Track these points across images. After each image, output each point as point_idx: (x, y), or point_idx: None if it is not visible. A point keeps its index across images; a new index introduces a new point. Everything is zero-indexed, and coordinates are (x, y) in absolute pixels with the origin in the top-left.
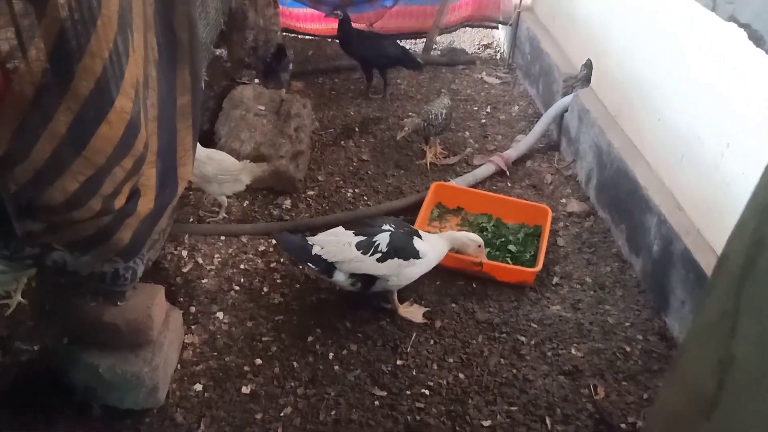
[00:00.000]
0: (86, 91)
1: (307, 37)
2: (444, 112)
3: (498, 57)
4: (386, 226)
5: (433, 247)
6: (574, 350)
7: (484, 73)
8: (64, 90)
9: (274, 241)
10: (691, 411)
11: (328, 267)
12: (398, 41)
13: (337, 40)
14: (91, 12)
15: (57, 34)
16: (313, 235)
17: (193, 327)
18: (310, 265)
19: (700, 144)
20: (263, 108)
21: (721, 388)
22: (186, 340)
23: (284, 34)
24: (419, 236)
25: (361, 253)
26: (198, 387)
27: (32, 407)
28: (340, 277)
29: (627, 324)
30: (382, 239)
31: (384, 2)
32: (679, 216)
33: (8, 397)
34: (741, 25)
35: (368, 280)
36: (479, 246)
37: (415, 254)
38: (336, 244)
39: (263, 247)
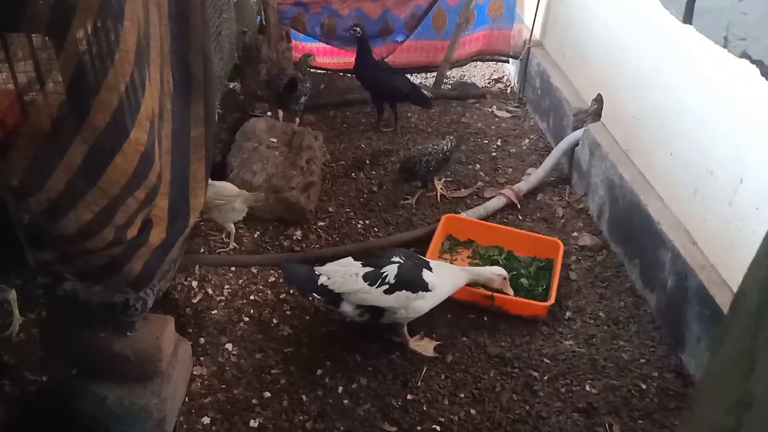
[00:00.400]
0: (102, 123)
1: (319, 71)
2: (433, 156)
3: (508, 91)
4: (396, 258)
5: (444, 279)
6: (589, 387)
7: (494, 106)
8: (80, 122)
9: (282, 271)
10: None
11: (335, 298)
12: (410, 77)
13: (349, 74)
14: (109, 47)
15: (75, 68)
16: (322, 266)
17: (201, 358)
18: (315, 295)
19: (714, 179)
20: (275, 140)
21: (740, 429)
22: (194, 372)
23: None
24: (429, 268)
25: (368, 284)
26: (206, 420)
27: None
28: (347, 308)
29: (642, 360)
30: (390, 271)
31: (395, 37)
32: (693, 251)
33: (15, 427)
34: (753, 62)
35: (376, 311)
36: (504, 278)
37: (424, 287)
38: (343, 275)
39: (273, 278)
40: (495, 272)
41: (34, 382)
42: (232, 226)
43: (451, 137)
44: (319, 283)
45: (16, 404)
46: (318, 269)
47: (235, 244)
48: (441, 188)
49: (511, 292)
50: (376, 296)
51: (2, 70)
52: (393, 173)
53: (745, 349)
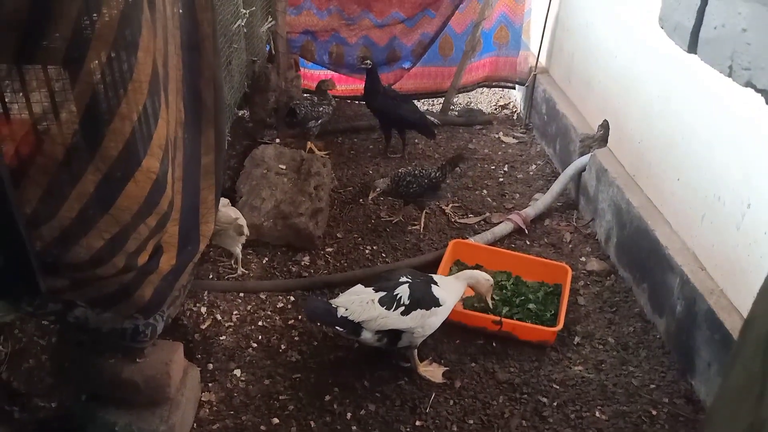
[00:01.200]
0: (115, 152)
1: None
2: (417, 179)
3: (515, 117)
4: (403, 278)
5: (450, 291)
6: (599, 413)
7: (501, 132)
8: (93, 151)
9: (292, 298)
10: None
11: (355, 327)
12: (417, 103)
13: (356, 101)
14: (123, 77)
15: (89, 98)
16: (334, 295)
17: (210, 384)
18: (338, 328)
19: (721, 204)
20: (284, 167)
21: None
22: (203, 398)
23: (305, 95)
24: (436, 283)
25: (385, 308)
26: None
27: None
28: (367, 336)
29: (652, 386)
30: (403, 292)
31: (402, 63)
32: (701, 276)
33: None
34: (758, 91)
35: (394, 335)
36: (490, 286)
37: (436, 302)
38: (359, 303)
39: (281, 304)
40: (484, 277)
41: (44, 408)
42: (239, 251)
43: (445, 164)
44: (339, 316)
45: (25, 431)
46: (334, 302)
47: (243, 270)
48: (449, 211)
49: (490, 304)
50: (394, 319)
51: (17, 100)
52: (383, 184)
53: (756, 375)
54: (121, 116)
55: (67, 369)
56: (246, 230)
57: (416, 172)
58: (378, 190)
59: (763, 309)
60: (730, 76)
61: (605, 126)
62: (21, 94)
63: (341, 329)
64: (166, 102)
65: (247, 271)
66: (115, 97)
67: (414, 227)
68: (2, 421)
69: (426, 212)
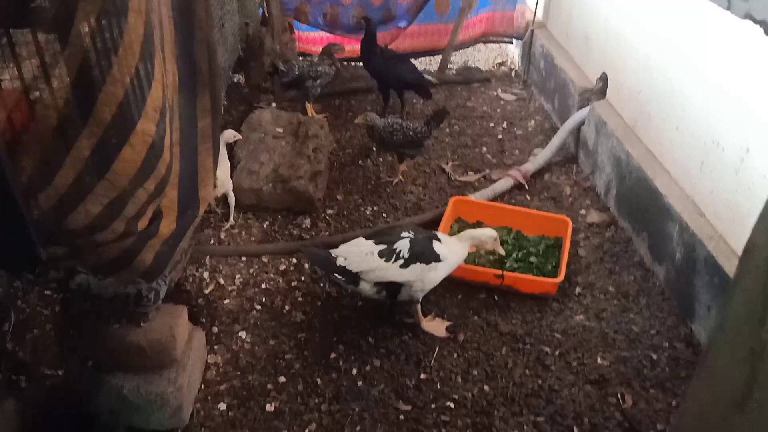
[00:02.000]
0: (108, 116)
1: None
2: (398, 130)
3: (513, 74)
4: (405, 233)
5: (452, 250)
6: (600, 359)
7: (499, 90)
8: (86, 116)
9: (294, 260)
10: (723, 405)
11: (354, 277)
12: (415, 66)
13: (353, 62)
14: (114, 41)
15: (80, 63)
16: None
17: (216, 347)
18: (336, 275)
19: (720, 150)
20: (281, 130)
21: (754, 379)
22: (209, 360)
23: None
24: (438, 240)
25: (384, 261)
26: (222, 406)
27: None
28: (365, 287)
29: (652, 332)
30: (403, 246)
31: (398, 23)
32: (701, 222)
33: (34, 423)
34: (756, 22)
35: (393, 287)
36: (495, 239)
37: (436, 258)
38: (358, 255)
39: (284, 267)
40: (487, 234)
41: (51, 377)
42: (232, 195)
43: (430, 120)
44: (337, 264)
45: (33, 399)
46: (334, 252)
47: (234, 217)
48: (449, 169)
49: (502, 251)
50: (393, 272)
51: (7, 67)
52: (377, 120)
53: (756, 300)
54: (113, 79)
55: (72, 337)
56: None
57: (403, 123)
58: (368, 119)
59: (762, 237)
60: (728, 9)
61: (604, 79)
62: (11, 60)
63: (339, 277)
64: (161, 65)
65: (233, 222)
66: (107, 60)
67: (389, 179)
68: (10, 390)
69: (404, 169)
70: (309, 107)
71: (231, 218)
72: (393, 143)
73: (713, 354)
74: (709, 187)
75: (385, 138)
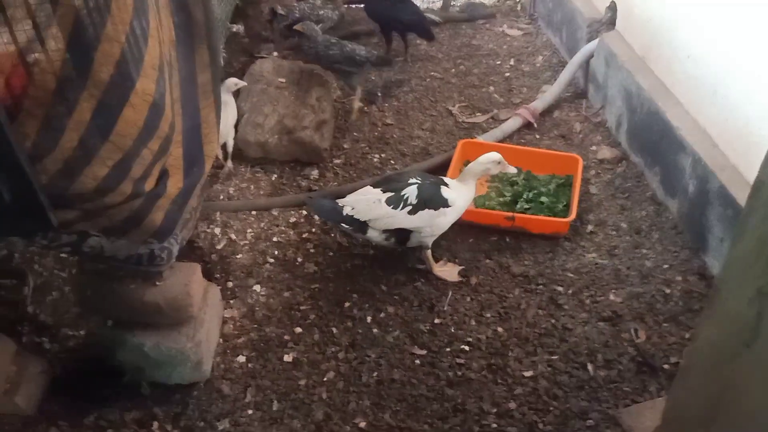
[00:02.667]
0: (107, 76)
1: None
2: (342, 51)
3: (518, 8)
4: (413, 180)
5: (460, 193)
6: (613, 296)
7: (505, 25)
8: (85, 77)
9: (304, 213)
10: (731, 341)
11: (361, 226)
12: (418, 7)
13: (354, 5)
14: None
15: (73, 23)
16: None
17: (231, 301)
18: (343, 225)
19: (732, 77)
20: (284, 80)
21: (761, 317)
22: (226, 315)
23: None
24: (446, 185)
25: (392, 208)
26: (241, 359)
27: (84, 391)
28: (373, 234)
29: (665, 266)
30: (411, 192)
31: None
32: (714, 153)
33: (60, 383)
34: None
35: (402, 234)
36: (499, 162)
37: (445, 203)
38: (366, 203)
39: (294, 219)
40: (489, 159)
41: (73, 337)
42: (231, 142)
43: (376, 58)
44: (344, 214)
45: (57, 360)
46: (341, 201)
47: (231, 167)
48: (456, 111)
49: (513, 169)
50: (401, 219)
51: (2, 33)
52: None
53: (765, 239)
54: (108, 38)
55: (91, 298)
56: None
57: (347, 43)
58: (305, 28)
59: None
60: None
61: (613, 8)
62: (4, 24)
63: (347, 227)
64: (155, 19)
65: (231, 167)
66: (100, 18)
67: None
68: (34, 351)
69: (360, 104)
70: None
71: (228, 163)
72: (329, 58)
73: (722, 292)
74: (722, 116)
75: (321, 53)
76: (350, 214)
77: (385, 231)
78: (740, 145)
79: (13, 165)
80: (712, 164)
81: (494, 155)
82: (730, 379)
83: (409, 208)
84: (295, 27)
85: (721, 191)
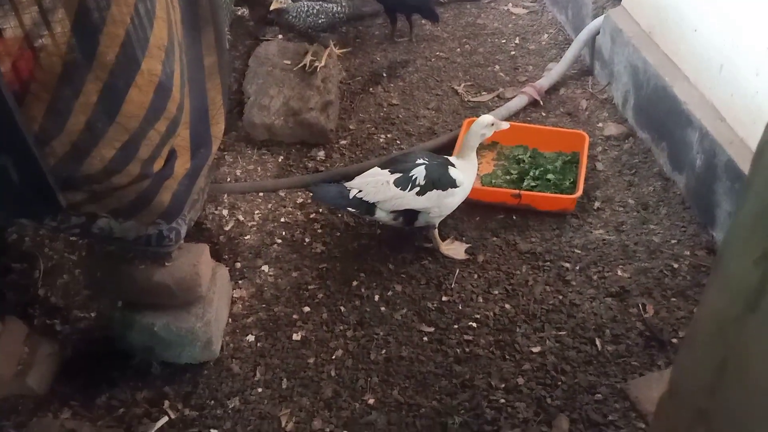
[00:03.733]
0: (112, 57)
1: None
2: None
3: None
4: (420, 160)
5: (466, 171)
6: (620, 272)
7: (510, 4)
8: (90, 60)
9: (311, 193)
10: (736, 306)
11: (369, 207)
12: None
13: None
14: None
15: (78, 6)
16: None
17: (240, 282)
18: (350, 209)
19: (739, 51)
20: (289, 62)
21: (766, 280)
22: (234, 295)
23: None
24: (453, 165)
25: (400, 189)
26: (250, 338)
27: (95, 371)
28: (381, 215)
29: (673, 241)
30: (419, 173)
31: None
32: (721, 127)
33: (71, 364)
34: None
35: (410, 214)
36: (491, 123)
37: (452, 183)
38: (374, 185)
39: (301, 200)
40: (480, 124)
41: (84, 319)
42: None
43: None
44: (351, 197)
45: (69, 341)
46: (348, 184)
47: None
48: (462, 90)
49: (505, 125)
50: (409, 200)
51: (7, 16)
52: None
53: None
54: (113, 20)
55: (101, 279)
56: None
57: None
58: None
59: None
60: None
61: None
62: (11, 8)
63: (354, 210)
64: (165, 0)
65: (262, 171)
66: (105, 0)
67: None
68: (46, 333)
69: (331, 50)
70: (329, 50)
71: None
72: (312, 26)
73: (726, 256)
74: (728, 90)
75: (299, 23)
76: (358, 196)
77: (392, 212)
78: (747, 119)
79: (22, 148)
80: (719, 138)
81: (485, 118)
82: (734, 345)
83: (418, 189)
84: (271, 8)
85: (728, 165)
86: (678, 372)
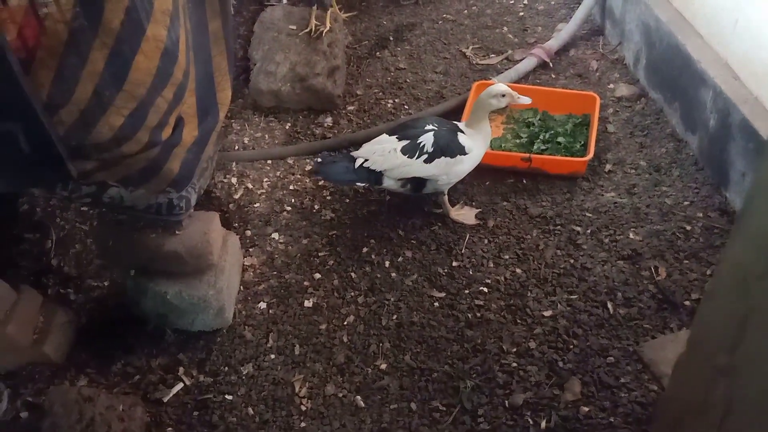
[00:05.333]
0: (117, 23)
1: None
2: None
3: None
4: (429, 126)
5: (476, 141)
6: (632, 235)
7: None
8: (96, 26)
9: (320, 160)
10: (760, 262)
11: (377, 176)
12: None
13: None
14: None
15: None
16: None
17: (250, 249)
18: (358, 184)
19: (754, 6)
20: (294, 27)
21: None
22: (245, 263)
23: None
24: (462, 131)
25: (407, 157)
26: (262, 305)
27: (110, 339)
28: (389, 183)
29: (686, 203)
30: (427, 140)
31: None
32: (735, 85)
33: (86, 332)
34: None
35: (418, 182)
36: (503, 95)
37: (462, 150)
38: (381, 153)
39: (310, 167)
40: (491, 94)
41: (97, 288)
42: None
43: None
44: (357, 166)
45: (83, 310)
46: (355, 153)
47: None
48: (470, 53)
49: (526, 99)
50: (417, 167)
51: None
52: None
53: None
54: None
55: (112, 248)
56: None
57: None
58: None
59: None
60: None
61: None
62: None
63: (362, 183)
64: None
65: (270, 139)
66: None
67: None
68: (60, 303)
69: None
70: (332, 11)
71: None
72: None
73: (749, 213)
74: (743, 47)
75: None
76: (365, 165)
77: (400, 179)
78: (763, 76)
79: (31, 116)
80: (733, 97)
81: (497, 87)
82: (757, 301)
83: (425, 156)
84: None
85: (743, 124)
86: (698, 328)
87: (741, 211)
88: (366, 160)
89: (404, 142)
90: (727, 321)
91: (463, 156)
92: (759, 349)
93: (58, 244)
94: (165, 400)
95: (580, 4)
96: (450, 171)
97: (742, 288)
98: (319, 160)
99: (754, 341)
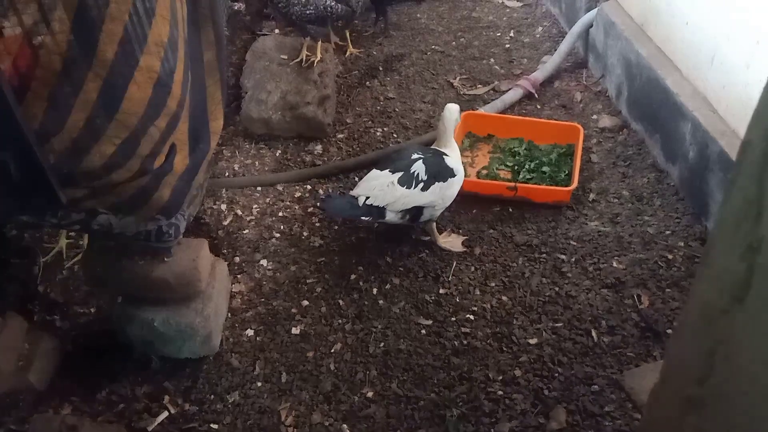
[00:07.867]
0: (111, 54)
1: None
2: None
3: None
4: (415, 155)
5: (456, 158)
6: (616, 263)
7: None
8: (90, 57)
9: (309, 187)
10: (723, 298)
11: (380, 211)
12: None
13: None
14: None
15: (77, 4)
16: (349, 181)
17: (239, 276)
18: (363, 218)
19: (730, 43)
20: (286, 57)
21: (752, 272)
22: (234, 289)
23: None
24: (446, 154)
25: (405, 188)
26: (249, 332)
27: (95, 366)
28: (391, 216)
29: (667, 232)
30: (419, 168)
31: None
32: (713, 119)
33: (72, 359)
34: None
35: (416, 211)
36: (454, 109)
37: (451, 173)
38: (380, 189)
39: (299, 194)
40: (453, 111)
41: (83, 314)
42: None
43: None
44: (361, 204)
45: (68, 337)
46: (354, 192)
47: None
48: (457, 83)
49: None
50: (416, 197)
51: (7, 14)
52: None
53: (752, 197)
54: (111, 17)
55: (100, 275)
56: None
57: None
58: None
59: (758, 132)
60: None
61: None
62: (10, 6)
63: (366, 218)
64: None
65: (260, 165)
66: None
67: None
68: (46, 329)
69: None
70: (348, 47)
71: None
72: (304, 18)
73: (713, 250)
74: (720, 82)
75: (295, 12)
76: (368, 202)
77: (400, 211)
78: (739, 110)
79: (22, 145)
80: (711, 130)
81: (455, 105)
82: (722, 335)
83: (422, 184)
84: None
85: (721, 156)
86: (669, 362)
87: (705, 248)
88: (368, 198)
89: (399, 174)
90: (696, 354)
91: (453, 179)
92: (727, 382)
93: (46, 270)
94: (149, 429)
95: (564, 37)
96: (444, 195)
97: (708, 323)
98: (323, 195)
99: (722, 374)
